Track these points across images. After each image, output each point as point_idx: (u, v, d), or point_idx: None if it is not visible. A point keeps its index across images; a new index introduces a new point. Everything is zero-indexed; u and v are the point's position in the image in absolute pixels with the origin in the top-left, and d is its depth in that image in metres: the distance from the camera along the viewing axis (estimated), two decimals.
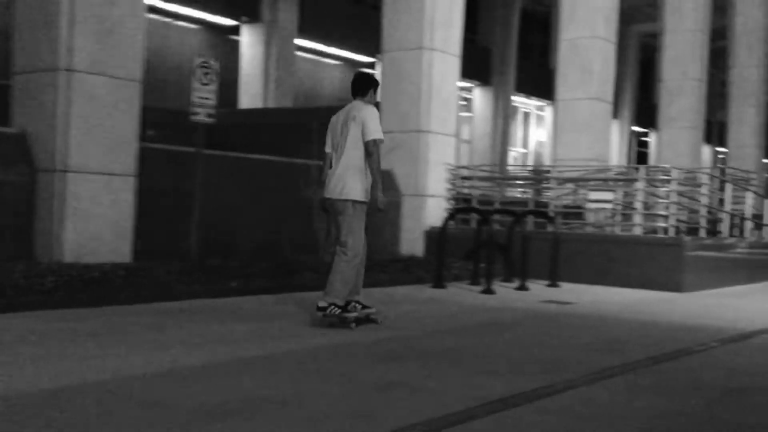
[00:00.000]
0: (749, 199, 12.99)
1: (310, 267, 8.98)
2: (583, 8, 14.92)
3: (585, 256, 10.64)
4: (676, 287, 9.85)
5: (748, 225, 12.81)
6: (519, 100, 29.11)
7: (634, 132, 35.03)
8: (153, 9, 18.17)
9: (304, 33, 20.50)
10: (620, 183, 11.76)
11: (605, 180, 11.83)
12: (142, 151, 8.27)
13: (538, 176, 12.99)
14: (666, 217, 10.71)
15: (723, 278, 11.12)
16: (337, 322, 5.90)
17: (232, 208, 9.32)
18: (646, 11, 28.65)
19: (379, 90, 6.41)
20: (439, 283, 9.28)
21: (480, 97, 27.27)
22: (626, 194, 11.54)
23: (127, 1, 7.99)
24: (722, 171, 14.19)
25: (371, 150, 5.76)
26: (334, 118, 6.07)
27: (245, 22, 20.07)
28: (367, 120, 5.77)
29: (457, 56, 12.33)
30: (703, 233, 11.42)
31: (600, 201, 11.27)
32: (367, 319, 6.10)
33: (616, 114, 33.77)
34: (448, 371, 4.56)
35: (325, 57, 22.22)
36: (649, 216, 11.43)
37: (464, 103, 27.09)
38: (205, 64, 7.86)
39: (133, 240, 8.12)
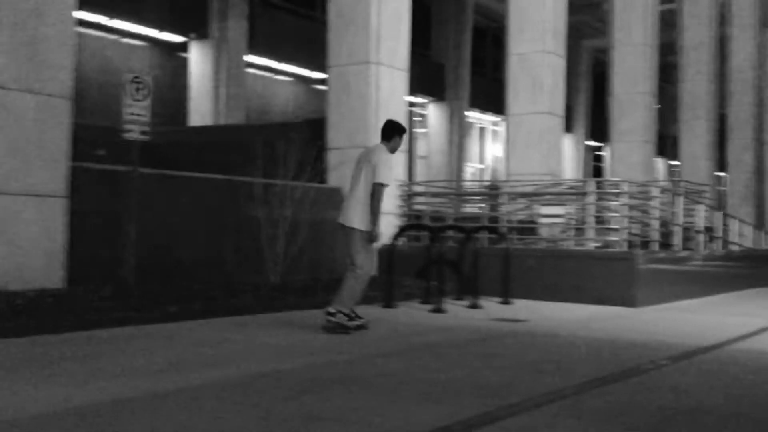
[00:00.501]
0: (701, 211, 13.01)
1: (254, 288, 8.65)
2: (531, 22, 14.91)
3: (538, 272, 10.47)
4: (629, 302, 9.73)
5: (701, 238, 12.81)
6: (474, 116, 29.14)
7: (588, 146, 35.33)
8: (98, 26, 17.73)
9: (254, 49, 20.19)
10: (572, 197, 11.66)
11: (556, 194, 11.72)
12: (76, 171, 7.87)
13: (489, 191, 12.84)
14: (618, 230, 10.62)
15: (677, 292, 11.04)
16: (338, 328, 6.71)
17: (171, 229, 8.95)
18: (597, 26, 29.00)
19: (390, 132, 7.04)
20: (389, 303, 9.02)
21: (435, 112, 27.21)
22: (580, 208, 11.45)
23: (55, 12, 7.63)
24: (676, 184, 14.23)
25: (376, 191, 6.70)
26: (360, 153, 7.16)
27: (194, 39, 19.70)
28: (379, 165, 6.72)
29: (404, 71, 12.15)
30: (656, 247, 11.36)
31: (552, 216, 11.14)
32: (361, 327, 6.90)
33: (570, 129, 34.08)
34: (384, 399, 4.28)
35: (277, 73, 21.92)
36: (602, 230, 11.35)
37: (419, 119, 27.02)
38: (138, 80, 7.52)
39: (65, 264, 7.71)
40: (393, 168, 6.77)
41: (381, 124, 11.64)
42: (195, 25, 19.50)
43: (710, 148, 22.89)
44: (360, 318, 6.91)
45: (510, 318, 8.32)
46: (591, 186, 11.13)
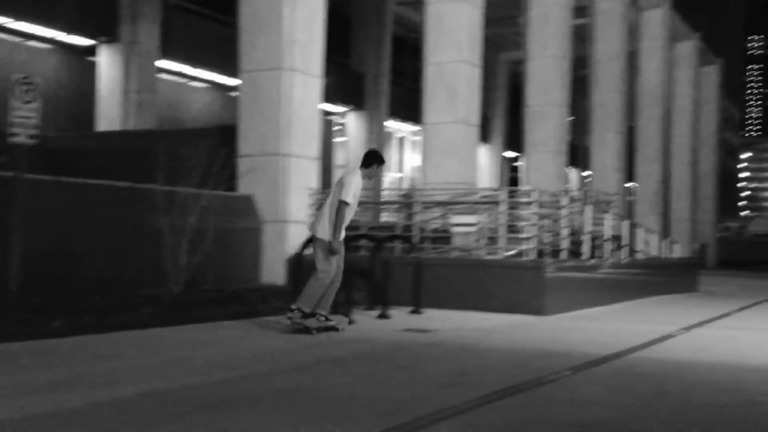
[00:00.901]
0: (609, 220, 13.25)
1: (153, 301, 8.27)
2: (448, 32, 14.95)
3: (449, 281, 10.43)
4: (538, 310, 9.77)
5: (608, 246, 13.04)
6: (394, 125, 29.19)
7: (506, 157, 35.89)
8: (2, 28, 16.90)
9: (167, 54, 19.61)
10: (484, 206, 11.68)
11: (468, 203, 11.73)
12: None
13: (402, 200, 12.77)
14: (528, 239, 10.68)
15: (585, 300, 11.17)
16: (303, 329, 7.41)
17: (65, 239, 8.47)
18: (514, 39, 29.47)
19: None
20: None
21: (354, 122, 27.11)
22: (492, 217, 11.46)
23: None
24: (584, 193, 14.49)
25: (339, 207, 7.37)
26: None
27: (103, 42, 19.01)
28: (346, 185, 7.40)
29: (319, 77, 11.96)
30: (564, 255, 11.47)
31: (464, 224, 11.12)
32: (327, 329, 7.54)
33: (488, 139, 34.54)
34: (274, 419, 4.06)
35: (192, 80, 21.37)
36: (513, 239, 11.39)
37: (339, 128, 26.88)
38: (26, 81, 7.08)
39: None
40: (354, 188, 7.45)
41: (293, 131, 11.57)
42: (104, 29, 18.81)
43: (620, 159, 23.50)
44: (329, 320, 7.60)
45: (418, 328, 8.20)
46: (502, 195, 11.16)
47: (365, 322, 8.66)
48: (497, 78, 34.58)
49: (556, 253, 11.61)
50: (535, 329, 8.47)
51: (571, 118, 31.33)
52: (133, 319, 7.47)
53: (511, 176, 36.41)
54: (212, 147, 10.50)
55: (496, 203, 11.17)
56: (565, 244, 11.62)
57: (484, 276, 10.30)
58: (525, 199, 10.95)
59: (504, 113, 35.05)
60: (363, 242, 10.90)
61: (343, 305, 8.86)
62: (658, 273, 15.37)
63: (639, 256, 14.88)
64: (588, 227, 12.20)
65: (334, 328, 7.60)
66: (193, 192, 9.44)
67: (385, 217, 15.90)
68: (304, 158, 11.67)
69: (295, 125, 11.46)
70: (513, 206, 11.48)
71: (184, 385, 4.86)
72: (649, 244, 16.00)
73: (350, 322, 8.44)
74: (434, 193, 13.05)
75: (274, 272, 11.37)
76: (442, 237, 12.16)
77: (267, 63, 11.46)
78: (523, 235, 10.94)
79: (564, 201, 11.74)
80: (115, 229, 9.12)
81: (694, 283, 16.99)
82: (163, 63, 19.67)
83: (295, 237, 11.36)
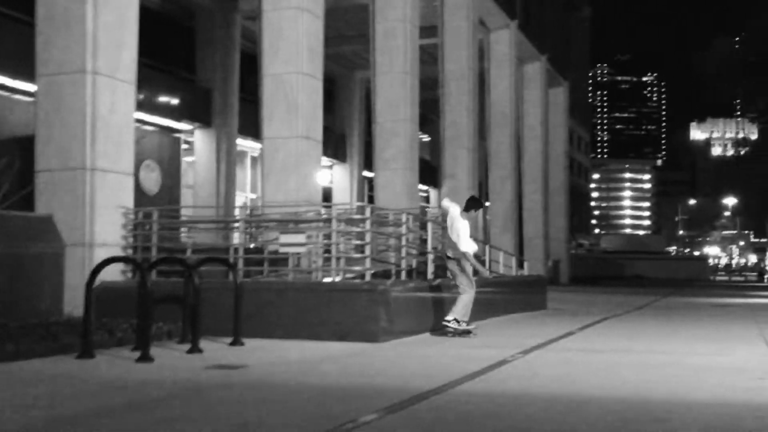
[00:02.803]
0: None
1: None
2: (286, 42, 14.05)
3: (277, 307, 9.43)
4: (372, 337, 8.93)
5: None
6: (246, 144, 27.94)
7: (365, 176, 35.38)
8: None
9: None
10: (318, 224, 10.80)
11: (298, 222, 10.81)
12: None
13: (224, 219, 11.69)
14: (360, 259, 9.88)
15: (426, 323, 10.43)
16: (462, 333, 9.56)
17: None
18: (368, 57, 29.05)
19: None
20: (86, 352, 7.48)
21: (202, 140, 25.65)
22: (325, 236, 10.60)
23: None
24: (423, 210, 13.94)
25: (466, 255, 9.62)
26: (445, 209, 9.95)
27: None
28: (460, 231, 9.58)
29: (131, 84, 10.69)
30: (404, 275, 10.77)
31: (291, 244, 10.18)
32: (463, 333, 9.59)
33: (345, 159, 33.93)
34: None
35: (7, 90, 19.24)
36: (350, 260, 10.59)
37: (186, 146, 25.36)
38: None
39: None
40: (465, 232, 9.65)
41: (100, 142, 10.20)
42: None
43: (473, 177, 23.35)
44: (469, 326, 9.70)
45: (228, 364, 7.13)
46: (334, 212, 10.32)
47: (168, 359, 7.49)
48: (353, 96, 34.09)
49: (400, 273, 10.91)
50: (363, 360, 7.59)
51: (428, 138, 31.14)
52: None
53: (370, 195, 35.90)
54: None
55: (329, 221, 10.31)
56: (405, 263, 10.94)
57: (315, 301, 9.37)
58: (359, 216, 10.15)
59: (361, 132, 34.53)
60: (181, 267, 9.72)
61: (150, 339, 7.64)
62: (506, 291, 14.99)
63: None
64: (430, 245, 11.57)
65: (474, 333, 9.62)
66: None
67: (235, 240, 14.73)
68: (114, 173, 10.36)
69: (101, 135, 10.15)
70: (353, 225, 10.70)
71: None
72: (498, 262, 15.67)
73: (149, 360, 7.25)
74: (270, 212, 12.07)
75: (79, 303, 9.92)
76: (282, 259, 11.18)
77: (68, 66, 10.10)
78: (359, 255, 10.14)
79: (404, 218, 11.07)
80: None
81: (543, 301, 16.81)
82: None
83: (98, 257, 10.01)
